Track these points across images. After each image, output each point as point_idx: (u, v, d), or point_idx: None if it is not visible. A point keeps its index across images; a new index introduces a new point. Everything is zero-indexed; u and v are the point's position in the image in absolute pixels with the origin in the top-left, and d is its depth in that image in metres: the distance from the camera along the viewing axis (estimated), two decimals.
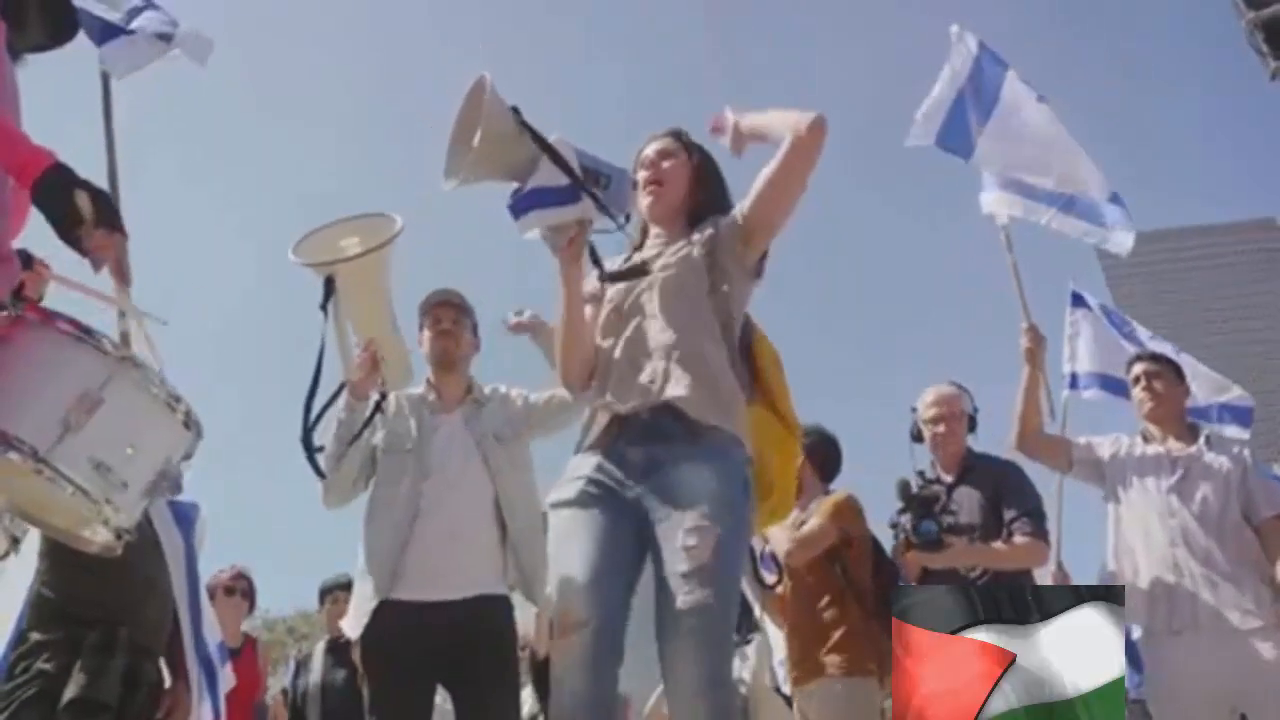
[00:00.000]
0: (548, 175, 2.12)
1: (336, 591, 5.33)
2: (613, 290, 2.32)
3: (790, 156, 2.22)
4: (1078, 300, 5.71)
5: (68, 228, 1.75)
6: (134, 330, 2.17)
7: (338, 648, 5.12)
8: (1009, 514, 3.54)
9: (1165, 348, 5.25)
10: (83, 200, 1.74)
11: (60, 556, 2.99)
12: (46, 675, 2.84)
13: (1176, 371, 3.77)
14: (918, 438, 3.84)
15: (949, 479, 3.70)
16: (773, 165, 2.26)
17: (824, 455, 3.88)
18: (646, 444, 2.09)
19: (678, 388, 2.10)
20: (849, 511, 3.72)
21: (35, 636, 2.95)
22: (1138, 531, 3.46)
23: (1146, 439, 3.63)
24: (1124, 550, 3.50)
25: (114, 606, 3.01)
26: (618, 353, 2.24)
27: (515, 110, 2.14)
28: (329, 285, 2.74)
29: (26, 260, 2.09)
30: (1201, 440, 3.56)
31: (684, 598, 1.87)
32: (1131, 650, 4.45)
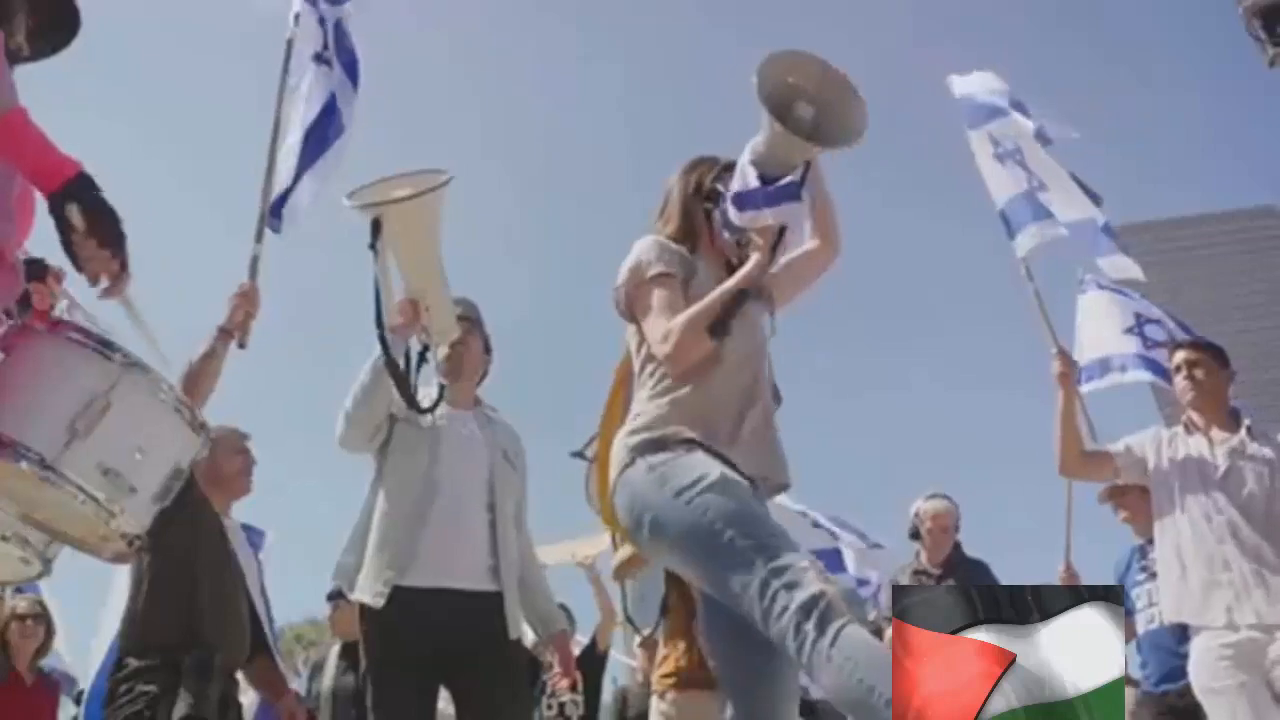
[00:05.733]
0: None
1: (334, 599, 5.36)
2: (743, 330, 2.27)
3: (820, 262, 2.46)
4: (1083, 289, 5.69)
5: (64, 239, 1.72)
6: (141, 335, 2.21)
7: (350, 652, 5.14)
8: None
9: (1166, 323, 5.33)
10: (73, 214, 1.70)
11: (156, 583, 3.12)
12: (150, 696, 2.95)
13: (1218, 358, 3.72)
14: (915, 535, 4.92)
15: (938, 571, 4.76)
16: (803, 262, 2.44)
17: None
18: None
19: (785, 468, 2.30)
20: None
21: (133, 662, 3.06)
22: (1185, 530, 3.44)
23: (1188, 429, 3.63)
24: (1171, 549, 3.49)
25: (206, 630, 3.11)
26: (751, 404, 2.24)
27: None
28: (375, 226, 2.80)
29: (42, 270, 2.07)
30: (1243, 430, 3.55)
31: None
32: (1143, 645, 4.45)
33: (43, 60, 2.09)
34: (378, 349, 2.98)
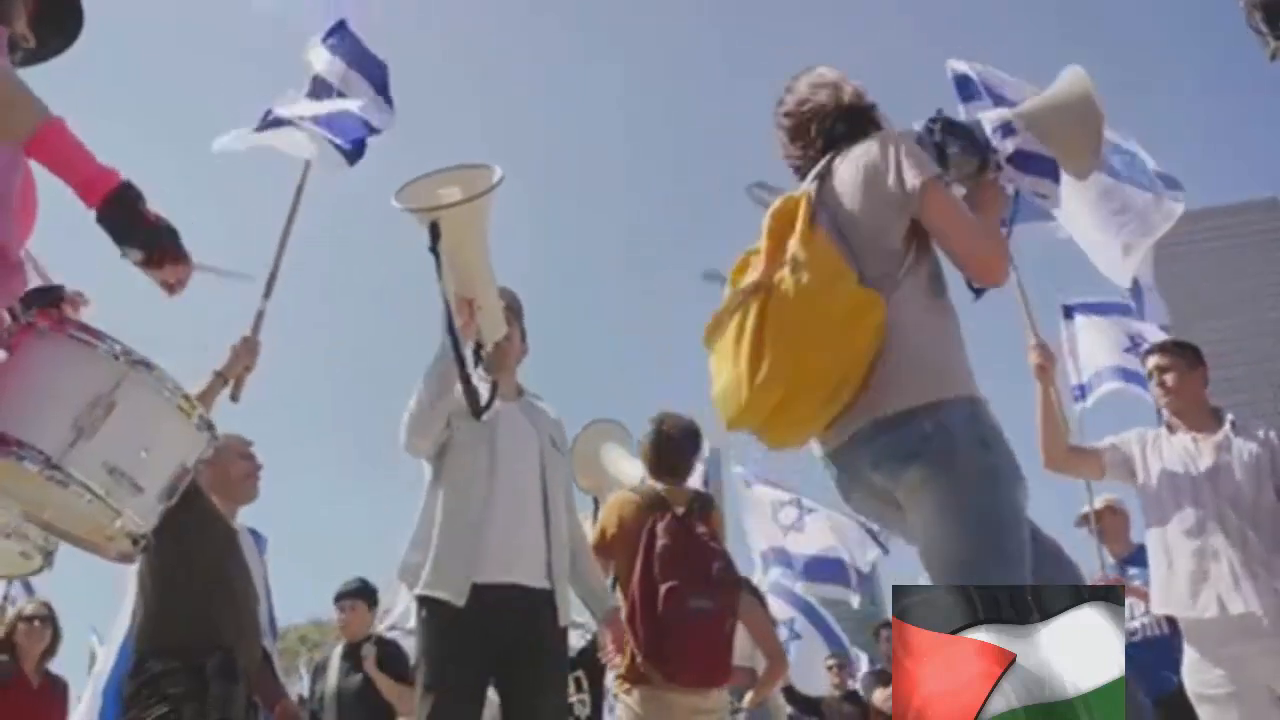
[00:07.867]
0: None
1: (345, 600, 5.38)
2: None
3: None
4: (1069, 313, 5.66)
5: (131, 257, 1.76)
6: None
7: (353, 653, 5.16)
8: None
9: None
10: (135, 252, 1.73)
11: (170, 584, 3.12)
12: (175, 699, 2.94)
13: (1191, 358, 3.74)
14: None
15: None
16: None
17: (646, 450, 3.92)
18: None
19: None
20: (608, 509, 3.82)
21: (154, 665, 3.04)
22: (1174, 524, 3.46)
23: (1171, 429, 3.65)
24: (1159, 545, 3.51)
25: (224, 632, 3.11)
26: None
27: None
28: (434, 230, 2.77)
29: (58, 297, 2.06)
30: (1227, 426, 3.58)
31: None
32: (1144, 650, 4.43)
33: (52, 58, 2.08)
34: (436, 352, 3.00)
